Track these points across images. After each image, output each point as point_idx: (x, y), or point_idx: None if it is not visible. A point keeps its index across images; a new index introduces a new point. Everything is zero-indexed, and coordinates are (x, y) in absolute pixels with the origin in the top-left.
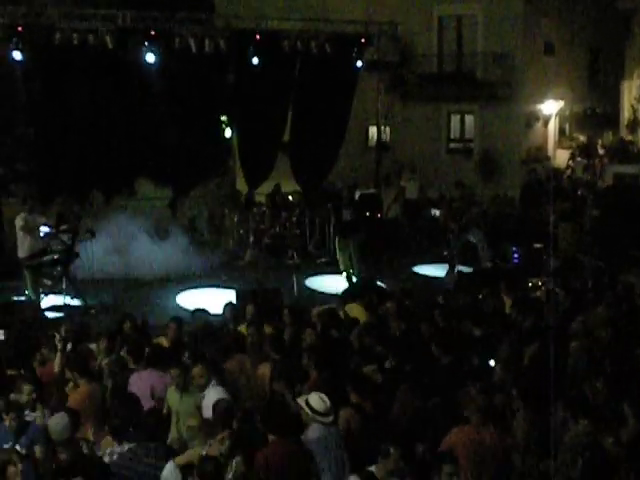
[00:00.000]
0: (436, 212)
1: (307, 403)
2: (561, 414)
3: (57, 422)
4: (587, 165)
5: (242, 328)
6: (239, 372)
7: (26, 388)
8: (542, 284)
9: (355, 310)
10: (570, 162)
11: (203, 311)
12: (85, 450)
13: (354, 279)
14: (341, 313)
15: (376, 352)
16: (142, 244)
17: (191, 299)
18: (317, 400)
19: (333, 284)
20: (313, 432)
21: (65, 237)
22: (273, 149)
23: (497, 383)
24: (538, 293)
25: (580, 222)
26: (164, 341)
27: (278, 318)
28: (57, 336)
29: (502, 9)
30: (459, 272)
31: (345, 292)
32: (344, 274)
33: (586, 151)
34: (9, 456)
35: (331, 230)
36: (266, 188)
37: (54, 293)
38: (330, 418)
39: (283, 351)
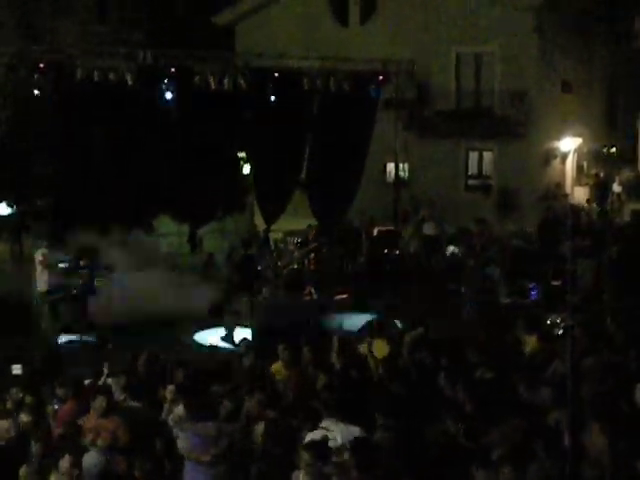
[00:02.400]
0: (455, 249)
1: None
2: None
3: (90, 461)
4: (602, 208)
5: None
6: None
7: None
8: (561, 321)
9: (379, 347)
10: (586, 205)
11: (215, 348)
12: None
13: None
14: (361, 349)
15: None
16: (160, 280)
17: (209, 336)
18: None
19: (351, 321)
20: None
21: (83, 273)
22: (289, 185)
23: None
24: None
25: (599, 259)
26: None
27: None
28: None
29: (519, 47)
30: (477, 308)
31: (363, 330)
32: None
33: (603, 188)
34: None
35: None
36: (284, 224)
37: (71, 328)
38: (344, 456)
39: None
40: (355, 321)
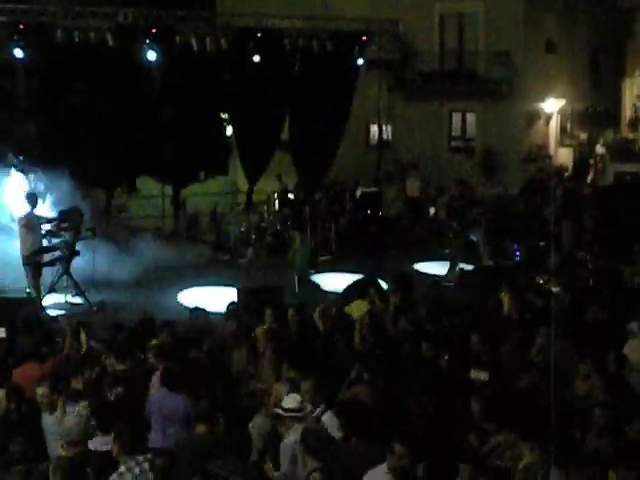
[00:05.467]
0: (432, 209)
1: (281, 408)
2: None
3: (73, 424)
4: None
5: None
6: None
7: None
8: (544, 282)
9: (358, 307)
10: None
11: (201, 310)
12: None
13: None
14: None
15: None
16: (143, 242)
17: (192, 297)
18: (290, 400)
19: (335, 282)
20: (294, 435)
21: (67, 235)
22: (271, 146)
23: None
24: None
25: (581, 220)
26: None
27: (282, 316)
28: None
29: (503, 7)
30: (461, 270)
31: (347, 290)
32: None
33: (587, 149)
34: None
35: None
36: (266, 186)
37: (55, 291)
38: (305, 412)
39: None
40: (340, 281)
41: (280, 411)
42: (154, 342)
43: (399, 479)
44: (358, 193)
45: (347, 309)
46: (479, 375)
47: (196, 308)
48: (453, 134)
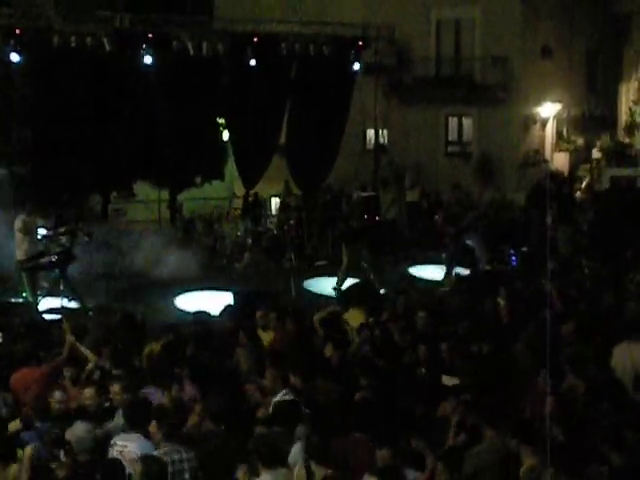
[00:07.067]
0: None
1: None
2: None
3: (83, 430)
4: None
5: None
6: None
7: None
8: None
9: (355, 316)
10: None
11: (204, 314)
12: None
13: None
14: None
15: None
16: (140, 246)
17: (189, 301)
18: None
19: (331, 287)
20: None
21: (63, 239)
22: (268, 150)
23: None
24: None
25: (578, 225)
26: (157, 347)
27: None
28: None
29: (500, 13)
30: (457, 275)
31: (343, 296)
32: (341, 278)
33: (583, 154)
34: None
35: (330, 233)
36: (265, 190)
37: (52, 295)
38: None
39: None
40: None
41: None
42: (153, 346)
43: None
44: (354, 197)
45: (344, 316)
46: (450, 382)
47: (199, 311)
48: (450, 139)
